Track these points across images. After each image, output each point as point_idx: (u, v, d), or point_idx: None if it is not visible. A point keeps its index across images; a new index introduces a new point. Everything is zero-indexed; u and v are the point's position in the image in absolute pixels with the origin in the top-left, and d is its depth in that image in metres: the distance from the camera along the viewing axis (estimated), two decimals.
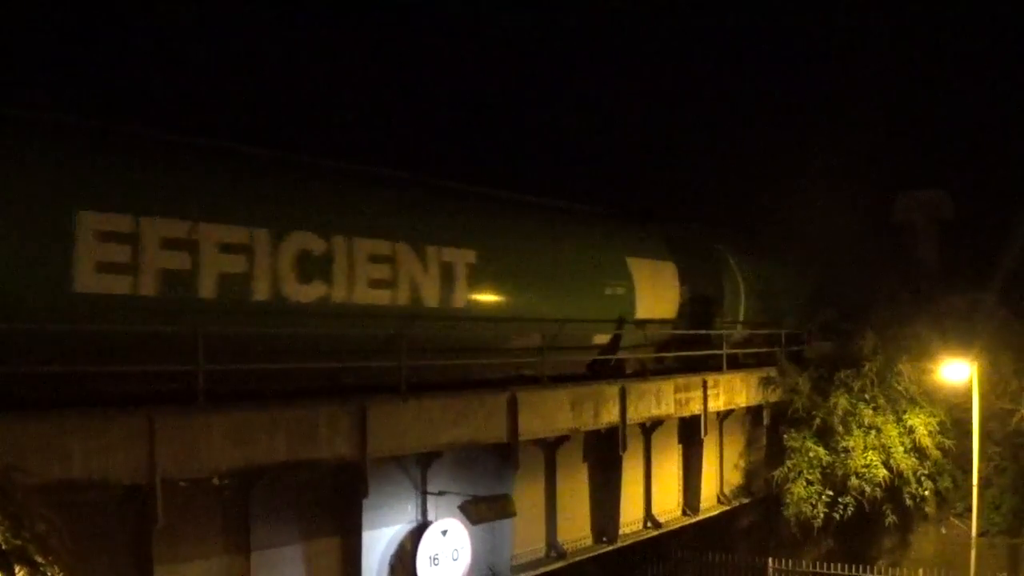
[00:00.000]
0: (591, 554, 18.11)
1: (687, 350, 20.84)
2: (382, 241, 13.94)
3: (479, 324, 15.81)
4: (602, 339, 18.75)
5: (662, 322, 20.33)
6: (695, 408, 19.76)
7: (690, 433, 20.61)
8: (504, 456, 15.05)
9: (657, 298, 20.04)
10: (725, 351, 21.23)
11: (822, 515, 21.51)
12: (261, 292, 12.31)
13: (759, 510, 23.87)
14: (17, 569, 7.57)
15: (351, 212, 13.94)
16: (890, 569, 22.18)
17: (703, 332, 21.25)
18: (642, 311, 19.43)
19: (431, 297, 14.69)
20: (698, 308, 21.61)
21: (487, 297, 16.03)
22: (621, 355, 19.17)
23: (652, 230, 21.27)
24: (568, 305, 17.61)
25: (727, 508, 22.34)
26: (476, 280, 15.56)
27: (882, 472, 21.37)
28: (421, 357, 13.78)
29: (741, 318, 23.40)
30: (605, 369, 18.79)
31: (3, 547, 7.60)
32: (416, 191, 15.71)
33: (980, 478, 20.38)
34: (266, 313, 12.36)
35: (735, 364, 22.10)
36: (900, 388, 22.20)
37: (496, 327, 16.25)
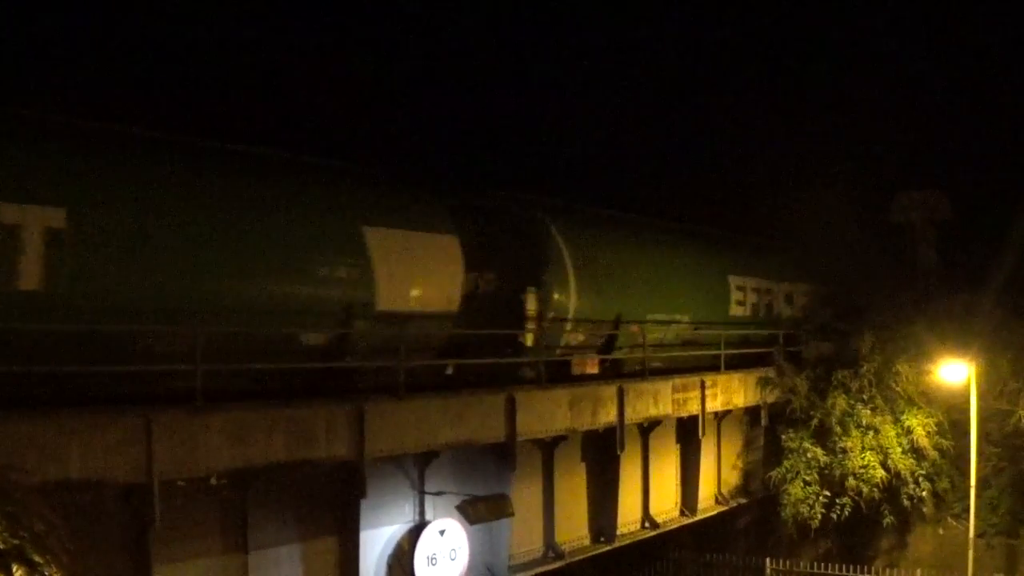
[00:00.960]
0: (589, 554, 18.13)
1: (488, 354, 16.63)
2: None
3: (65, 316, 10.86)
4: (318, 339, 13.86)
5: (431, 317, 15.45)
6: (693, 408, 19.78)
7: (688, 433, 20.64)
8: (502, 456, 15.07)
9: (422, 284, 15.36)
10: (723, 351, 21.23)
11: (819, 515, 21.55)
12: None
13: (757, 510, 23.87)
14: (15, 568, 7.58)
15: None
16: (888, 570, 22.16)
17: (493, 332, 16.84)
18: (390, 301, 14.59)
19: None
20: (502, 300, 17.27)
21: (88, 278, 11.24)
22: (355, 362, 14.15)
23: (422, 194, 16.49)
24: (241, 290, 12.83)
25: (725, 508, 22.36)
26: (65, 252, 10.96)
27: (880, 473, 21.41)
28: None
29: (571, 314, 18.03)
30: (327, 383, 13.74)
31: (1, 546, 7.61)
32: None
33: (978, 479, 20.37)
34: None
35: (563, 376, 17.90)
36: (898, 389, 22.25)
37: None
